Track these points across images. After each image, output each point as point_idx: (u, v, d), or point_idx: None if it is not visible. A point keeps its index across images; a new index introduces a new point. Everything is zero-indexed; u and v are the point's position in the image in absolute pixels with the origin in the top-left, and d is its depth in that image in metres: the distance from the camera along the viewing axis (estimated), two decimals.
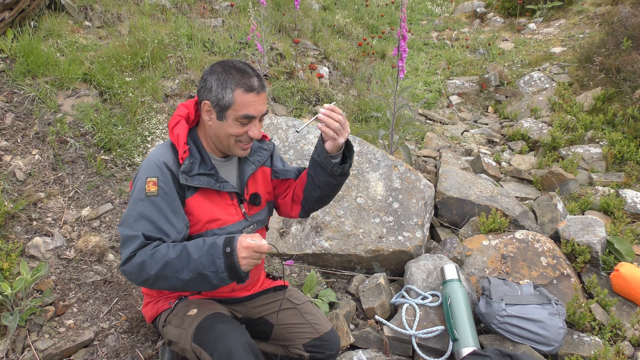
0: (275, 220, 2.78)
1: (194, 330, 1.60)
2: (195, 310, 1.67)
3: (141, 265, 1.46)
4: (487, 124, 5.54)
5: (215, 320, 1.60)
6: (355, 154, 3.03)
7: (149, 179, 1.54)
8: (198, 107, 1.67)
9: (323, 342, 1.82)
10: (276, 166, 1.89)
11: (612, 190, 3.48)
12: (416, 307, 2.28)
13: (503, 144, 4.88)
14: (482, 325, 2.27)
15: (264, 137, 1.88)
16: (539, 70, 6.32)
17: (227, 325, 1.58)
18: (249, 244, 1.44)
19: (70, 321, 2.16)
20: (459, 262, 2.60)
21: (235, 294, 1.85)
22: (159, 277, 1.46)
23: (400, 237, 2.64)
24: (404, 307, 2.29)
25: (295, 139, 3.12)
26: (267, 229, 1.98)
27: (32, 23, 3.79)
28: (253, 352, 1.52)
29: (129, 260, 1.48)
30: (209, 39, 4.51)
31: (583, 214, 3.27)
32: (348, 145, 1.68)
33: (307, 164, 2.99)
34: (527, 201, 3.49)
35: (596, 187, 3.65)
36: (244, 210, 1.74)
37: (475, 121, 5.69)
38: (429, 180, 3.17)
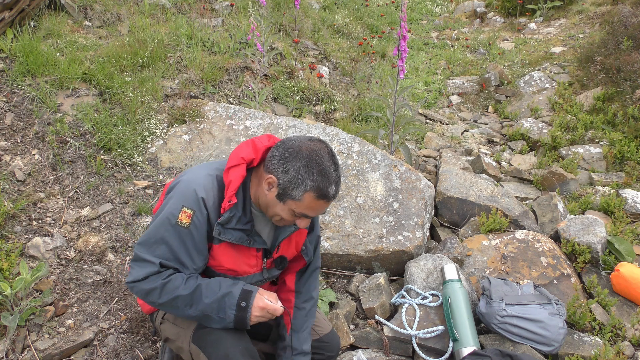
0: None
1: (194, 330, 1.60)
2: None
3: (150, 291, 1.45)
4: (487, 124, 5.54)
5: None
6: (355, 154, 3.03)
7: (185, 209, 1.46)
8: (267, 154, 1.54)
9: (323, 343, 1.82)
10: (311, 239, 1.80)
11: (612, 190, 3.48)
12: (416, 307, 2.27)
13: (503, 144, 4.88)
14: (482, 325, 2.26)
15: None
16: (539, 70, 6.32)
17: (227, 328, 1.58)
18: (266, 304, 1.47)
19: (70, 321, 2.16)
20: (459, 262, 2.59)
21: None
22: (164, 305, 1.48)
23: (400, 237, 2.64)
24: (404, 307, 2.29)
25: None
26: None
27: (31, 23, 3.79)
28: (251, 357, 1.52)
29: (138, 282, 1.47)
30: (208, 39, 4.50)
31: (583, 214, 3.27)
32: None
33: None
34: (527, 201, 3.48)
35: (596, 187, 3.65)
36: (264, 265, 1.68)
37: (476, 121, 5.69)
38: (429, 180, 3.17)
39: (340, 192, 2.82)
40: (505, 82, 6.25)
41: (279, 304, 1.51)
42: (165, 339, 1.74)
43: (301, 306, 1.81)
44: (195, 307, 1.46)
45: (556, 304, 2.15)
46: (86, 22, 4.26)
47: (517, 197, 3.54)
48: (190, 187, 1.49)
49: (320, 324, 1.86)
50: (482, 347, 2.12)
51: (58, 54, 3.57)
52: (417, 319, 2.22)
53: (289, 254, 1.74)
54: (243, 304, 1.45)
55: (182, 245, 1.48)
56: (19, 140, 2.93)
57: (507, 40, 8.04)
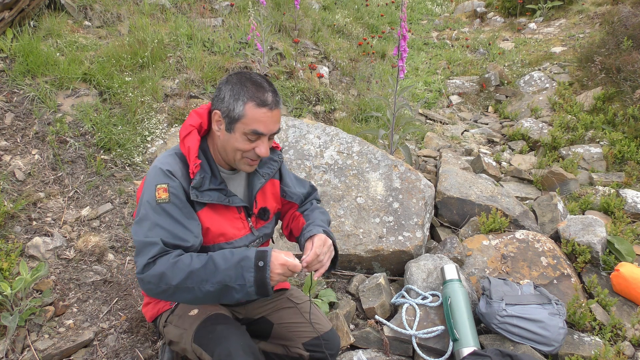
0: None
1: (195, 330, 1.60)
2: (196, 311, 1.68)
3: (161, 275, 1.40)
4: (487, 124, 5.54)
5: (215, 321, 1.60)
6: (355, 154, 3.03)
7: (158, 186, 1.49)
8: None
9: (323, 341, 1.82)
10: (286, 184, 1.85)
11: (612, 190, 3.48)
12: (416, 307, 2.27)
13: (503, 144, 4.87)
14: (482, 325, 2.26)
15: (277, 146, 1.83)
16: (539, 70, 6.32)
17: (228, 326, 1.58)
18: (285, 261, 1.43)
19: (70, 321, 2.16)
20: (459, 262, 2.59)
21: None
22: (180, 288, 1.41)
23: (400, 237, 2.64)
24: (404, 307, 2.29)
25: (295, 138, 3.12)
26: (272, 240, 1.97)
27: (31, 23, 3.79)
28: (253, 354, 1.52)
29: (147, 267, 1.42)
30: (208, 39, 4.50)
31: (583, 214, 3.26)
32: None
33: (307, 163, 2.98)
34: (528, 201, 3.48)
35: (596, 187, 3.65)
36: (251, 224, 1.71)
37: (476, 121, 5.69)
38: (429, 180, 3.17)
39: (340, 192, 2.83)
40: (505, 82, 6.25)
41: (297, 260, 1.46)
42: (169, 342, 1.74)
43: (307, 209, 1.88)
44: (212, 279, 1.40)
45: (556, 304, 2.15)
46: (86, 22, 4.26)
47: (517, 197, 3.54)
48: (155, 169, 1.54)
49: (320, 321, 1.86)
50: (482, 347, 2.12)
51: (58, 54, 3.57)
52: (417, 319, 2.22)
53: (269, 205, 1.78)
54: (260, 264, 1.40)
55: (174, 220, 1.48)
56: (19, 140, 2.93)
57: (507, 40, 8.04)
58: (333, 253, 1.64)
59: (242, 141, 1.52)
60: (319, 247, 1.57)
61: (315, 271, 1.56)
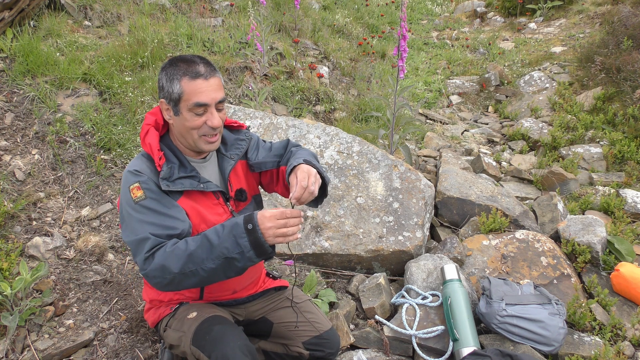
0: None
1: (193, 333, 1.60)
2: (195, 314, 1.67)
3: (162, 267, 1.41)
4: (487, 124, 5.54)
5: (213, 323, 1.60)
6: (355, 154, 3.02)
7: (131, 187, 1.52)
8: None
9: (323, 340, 1.83)
10: (250, 159, 1.82)
11: (612, 190, 3.48)
12: (416, 307, 2.27)
13: (503, 144, 4.87)
14: (482, 325, 2.26)
15: (240, 126, 1.82)
16: (539, 69, 6.31)
17: (225, 327, 1.58)
18: (272, 213, 1.40)
19: (70, 321, 2.16)
20: (459, 262, 2.59)
21: (237, 295, 1.85)
22: (184, 273, 1.41)
23: (400, 237, 2.64)
24: (404, 307, 2.29)
25: (295, 138, 3.12)
26: None
27: (31, 23, 3.79)
28: (250, 354, 1.52)
29: (147, 262, 1.43)
30: (208, 39, 4.50)
31: (583, 214, 3.26)
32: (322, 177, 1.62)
33: None
34: (528, 201, 3.48)
35: (596, 186, 3.65)
36: (231, 208, 1.71)
37: (476, 121, 5.69)
38: (429, 180, 3.17)
39: (340, 192, 2.83)
40: (505, 82, 6.25)
41: (288, 209, 1.43)
42: (170, 346, 1.74)
43: (288, 158, 1.78)
44: (211, 256, 1.40)
45: (556, 303, 2.15)
46: (86, 22, 4.26)
47: (517, 197, 3.54)
48: (124, 175, 1.57)
49: (319, 320, 1.86)
50: (482, 347, 2.12)
51: (58, 53, 3.57)
52: (417, 319, 2.22)
53: (244, 186, 1.78)
54: (250, 226, 1.39)
55: (156, 213, 1.49)
56: (19, 140, 2.93)
57: (507, 40, 8.04)
58: (320, 181, 1.58)
59: (191, 119, 1.53)
60: (304, 180, 1.49)
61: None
